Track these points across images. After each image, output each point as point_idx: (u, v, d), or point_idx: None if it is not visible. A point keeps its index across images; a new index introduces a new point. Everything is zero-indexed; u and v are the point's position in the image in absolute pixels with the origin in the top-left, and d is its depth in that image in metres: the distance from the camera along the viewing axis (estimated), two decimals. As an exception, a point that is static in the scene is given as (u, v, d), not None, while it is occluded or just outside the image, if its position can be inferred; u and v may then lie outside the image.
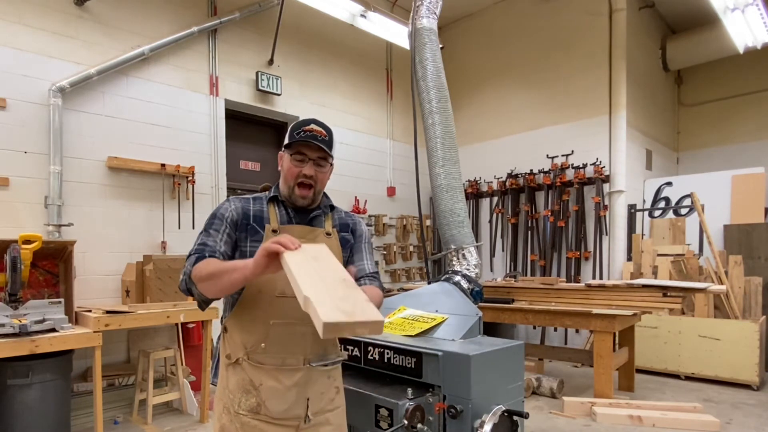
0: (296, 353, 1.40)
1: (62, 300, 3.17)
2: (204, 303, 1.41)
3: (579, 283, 5.28)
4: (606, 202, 5.62)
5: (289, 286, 1.15)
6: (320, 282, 1.10)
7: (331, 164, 1.54)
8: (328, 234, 1.54)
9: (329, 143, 1.47)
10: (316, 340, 1.42)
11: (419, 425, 1.51)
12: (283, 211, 1.52)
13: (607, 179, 5.61)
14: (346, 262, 1.57)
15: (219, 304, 1.52)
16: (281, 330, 1.41)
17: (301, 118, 1.52)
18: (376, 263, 1.65)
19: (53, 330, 2.93)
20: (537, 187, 6.14)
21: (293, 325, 1.39)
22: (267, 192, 1.57)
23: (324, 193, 1.59)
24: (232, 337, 1.46)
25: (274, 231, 1.45)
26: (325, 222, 1.56)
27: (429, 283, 2.93)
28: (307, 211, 1.54)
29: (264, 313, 1.40)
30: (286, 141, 1.49)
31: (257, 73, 4.93)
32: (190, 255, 1.39)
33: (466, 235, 2.94)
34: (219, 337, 1.56)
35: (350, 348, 2.00)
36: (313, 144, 1.43)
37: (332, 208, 1.61)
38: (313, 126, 1.46)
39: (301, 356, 1.41)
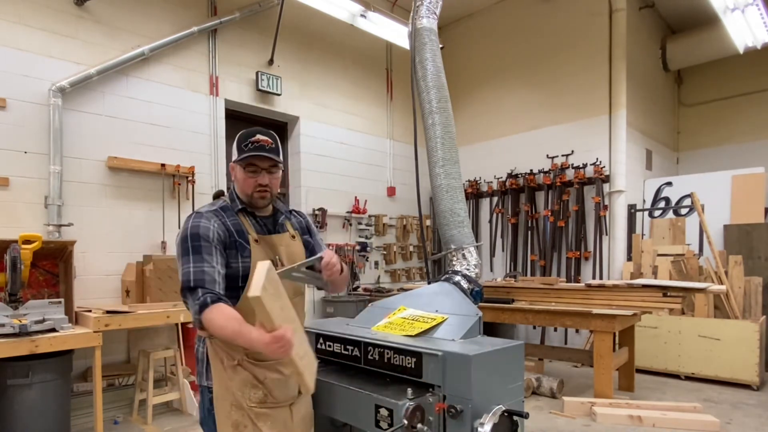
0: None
1: (62, 300, 3.18)
2: None
3: (579, 283, 5.28)
4: (606, 202, 5.62)
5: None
6: (305, 343, 1.44)
7: (282, 169, 1.69)
8: (293, 237, 1.72)
9: (277, 150, 1.59)
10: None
11: (419, 425, 1.51)
12: (253, 220, 1.65)
13: (607, 179, 5.61)
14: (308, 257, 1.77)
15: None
16: None
17: (243, 130, 1.62)
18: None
19: (53, 330, 2.94)
20: (537, 187, 6.14)
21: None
22: (224, 199, 1.66)
23: (278, 196, 1.75)
24: (225, 341, 1.47)
25: (256, 241, 1.59)
26: (287, 226, 1.74)
27: (429, 283, 2.93)
28: (273, 218, 1.71)
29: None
30: (236, 155, 1.59)
31: (257, 73, 4.92)
32: (191, 286, 1.41)
33: (466, 235, 2.93)
34: (202, 340, 1.58)
35: (350, 348, 2.00)
36: (264, 156, 1.55)
37: (290, 212, 1.81)
38: (259, 136, 1.56)
39: None
